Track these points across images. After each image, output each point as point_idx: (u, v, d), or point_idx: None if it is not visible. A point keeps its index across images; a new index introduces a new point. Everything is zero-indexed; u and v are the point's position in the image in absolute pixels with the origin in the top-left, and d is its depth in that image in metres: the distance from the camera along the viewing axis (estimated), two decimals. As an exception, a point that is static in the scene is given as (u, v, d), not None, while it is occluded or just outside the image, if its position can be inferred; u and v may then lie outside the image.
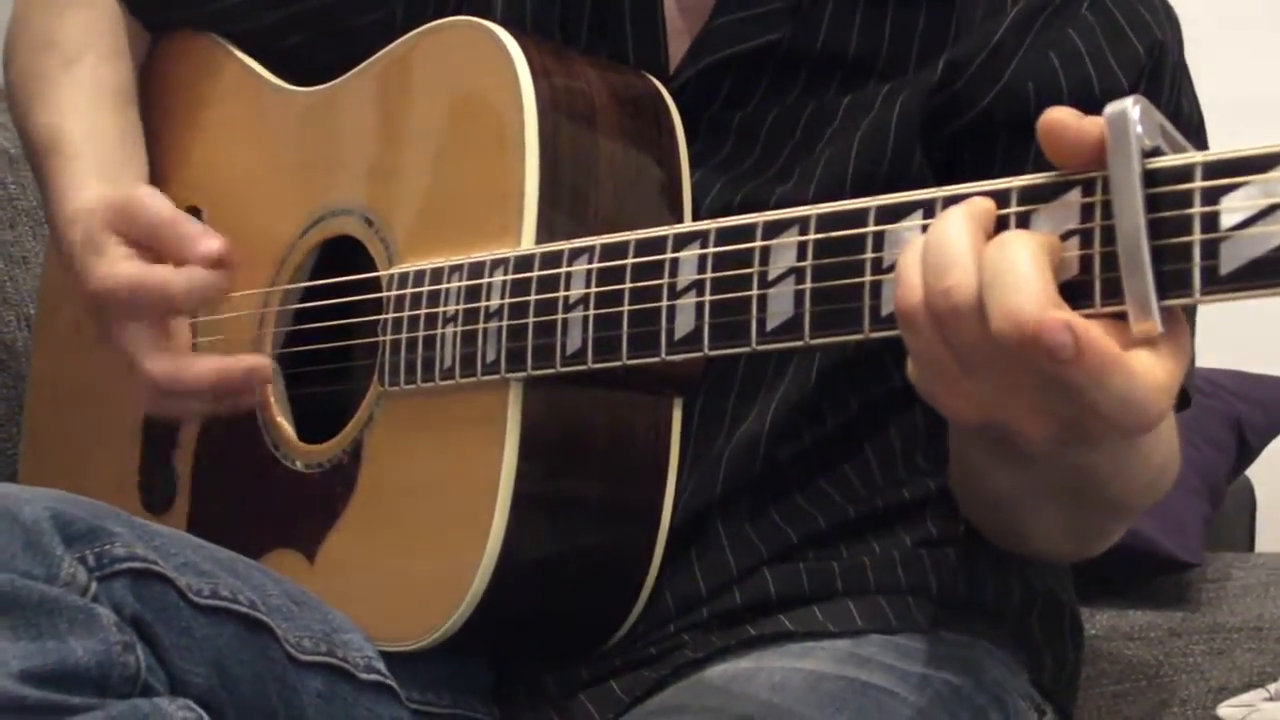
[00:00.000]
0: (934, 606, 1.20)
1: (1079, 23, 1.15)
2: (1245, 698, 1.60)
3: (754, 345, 0.95)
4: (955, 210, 0.84)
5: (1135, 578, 1.84)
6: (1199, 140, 1.20)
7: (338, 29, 1.35)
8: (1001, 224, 0.83)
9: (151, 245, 1.24)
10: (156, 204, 1.25)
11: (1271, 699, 1.58)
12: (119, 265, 1.23)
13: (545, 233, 1.11)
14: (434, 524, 1.15)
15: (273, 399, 1.28)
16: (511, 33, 1.16)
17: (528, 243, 1.11)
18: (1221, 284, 0.76)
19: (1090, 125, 0.81)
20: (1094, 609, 1.78)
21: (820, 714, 1.08)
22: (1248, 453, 2.08)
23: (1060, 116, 0.81)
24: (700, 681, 1.14)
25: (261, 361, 1.24)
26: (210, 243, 1.21)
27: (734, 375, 1.19)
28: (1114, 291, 0.79)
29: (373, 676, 1.13)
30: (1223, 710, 1.59)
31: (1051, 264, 0.81)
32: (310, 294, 1.28)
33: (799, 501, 1.21)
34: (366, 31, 1.31)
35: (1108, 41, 1.15)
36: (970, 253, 0.82)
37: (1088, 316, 0.80)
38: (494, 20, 1.22)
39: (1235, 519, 2.20)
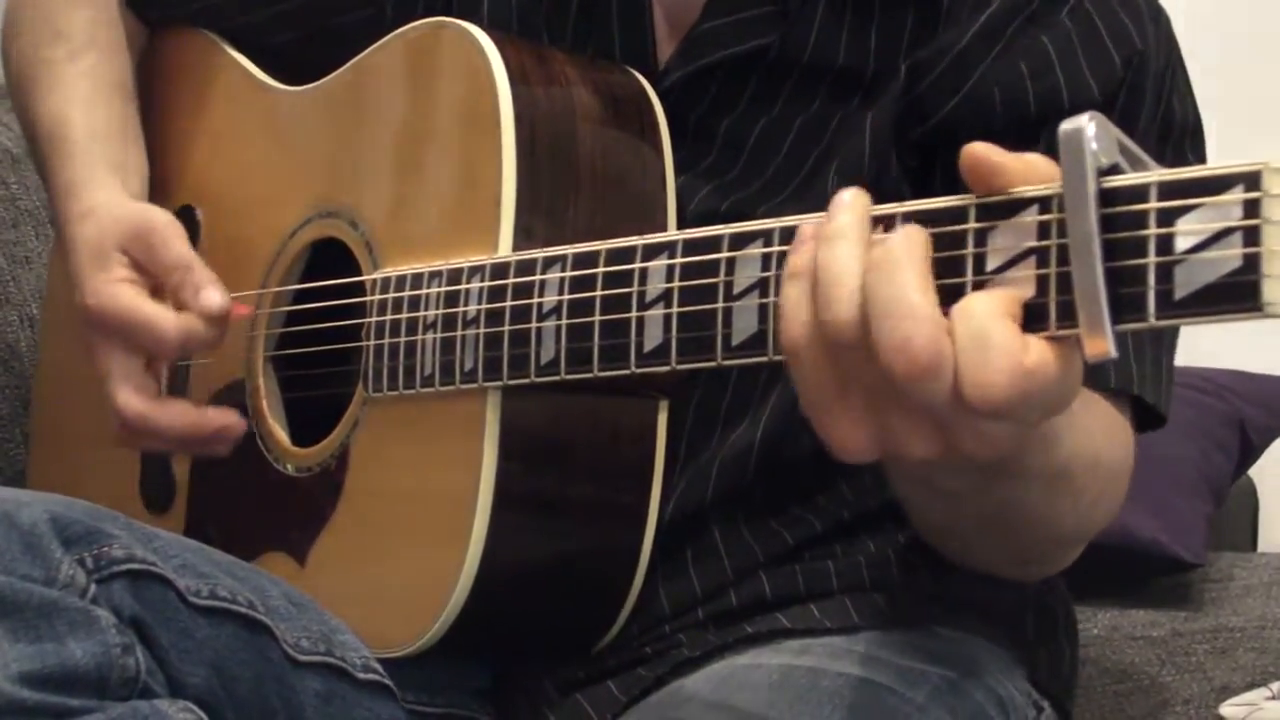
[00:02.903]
0: (930, 604, 1.20)
1: (1055, 30, 1.13)
2: (1248, 697, 1.60)
3: (720, 360, 0.94)
4: (839, 232, 0.82)
5: (1138, 577, 1.83)
6: (1195, 143, 1.19)
7: (327, 26, 1.36)
8: (959, 241, 0.82)
9: (157, 279, 1.24)
10: (178, 244, 1.25)
11: (1274, 698, 1.58)
12: (119, 289, 1.23)
13: (523, 238, 1.11)
14: (417, 531, 1.15)
15: (265, 402, 1.28)
16: (492, 35, 1.16)
17: (505, 249, 1.11)
18: (1176, 308, 0.74)
19: (1012, 161, 0.80)
20: (1096, 609, 1.78)
21: (819, 711, 1.08)
22: (1250, 452, 2.07)
23: (983, 154, 0.80)
24: (698, 680, 1.15)
25: (233, 421, 1.24)
26: (215, 297, 1.21)
27: (728, 378, 1.18)
28: (1069, 314, 0.77)
29: (370, 676, 1.13)
30: (1225, 710, 1.59)
31: (928, 264, 0.80)
32: (301, 296, 1.29)
33: (794, 505, 1.21)
34: (356, 29, 1.30)
35: (1084, 51, 1.12)
36: (855, 280, 0.80)
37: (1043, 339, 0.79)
38: (481, 17, 1.22)
39: (1238, 519, 2.19)
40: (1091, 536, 1.12)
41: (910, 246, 0.81)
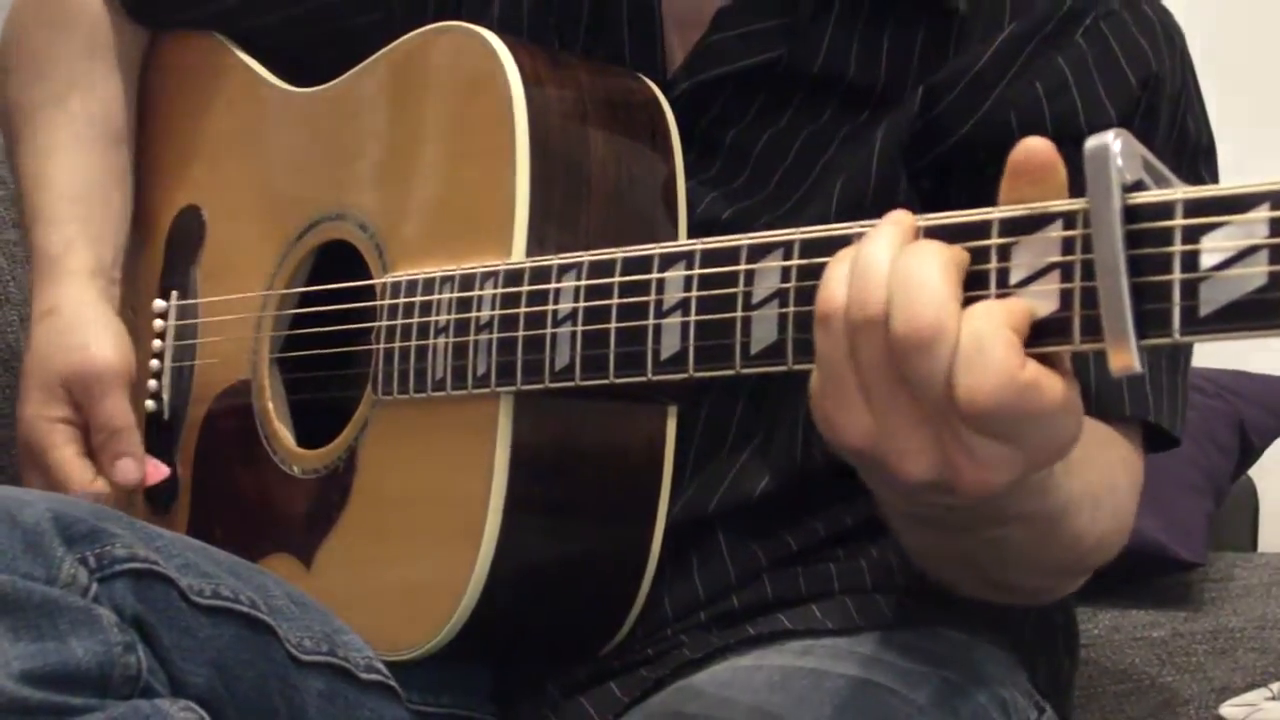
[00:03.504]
0: (932, 607, 1.20)
1: (1070, 51, 1.13)
2: (1248, 697, 1.60)
3: (738, 369, 0.94)
4: (884, 226, 0.84)
5: (1138, 578, 1.83)
6: (1208, 162, 1.19)
7: (337, 29, 1.35)
8: (982, 255, 0.82)
9: (86, 428, 1.31)
10: (111, 401, 1.30)
11: (1274, 699, 1.58)
12: (50, 430, 1.31)
13: (536, 244, 1.11)
14: (426, 535, 1.15)
15: (271, 403, 1.28)
16: (504, 39, 1.16)
17: (518, 254, 1.10)
18: (1200, 325, 0.74)
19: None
20: (1096, 609, 1.78)
21: (821, 711, 1.08)
22: (1250, 452, 2.07)
23: (1043, 149, 0.81)
24: (699, 681, 1.15)
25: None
26: (129, 471, 1.30)
27: (738, 391, 1.18)
28: (1093, 329, 0.77)
29: (374, 677, 1.13)
30: (1225, 710, 1.59)
31: (960, 275, 0.81)
32: (307, 298, 1.29)
33: (801, 513, 1.21)
34: (366, 31, 1.30)
35: (1099, 72, 1.13)
36: (889, 266, 0.82)
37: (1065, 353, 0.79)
38: (491, 20, 1.22)
39: (1238, 519, 2.19)
40: (1090, 573, 1.12)
41: (943, 247, 0.82)
